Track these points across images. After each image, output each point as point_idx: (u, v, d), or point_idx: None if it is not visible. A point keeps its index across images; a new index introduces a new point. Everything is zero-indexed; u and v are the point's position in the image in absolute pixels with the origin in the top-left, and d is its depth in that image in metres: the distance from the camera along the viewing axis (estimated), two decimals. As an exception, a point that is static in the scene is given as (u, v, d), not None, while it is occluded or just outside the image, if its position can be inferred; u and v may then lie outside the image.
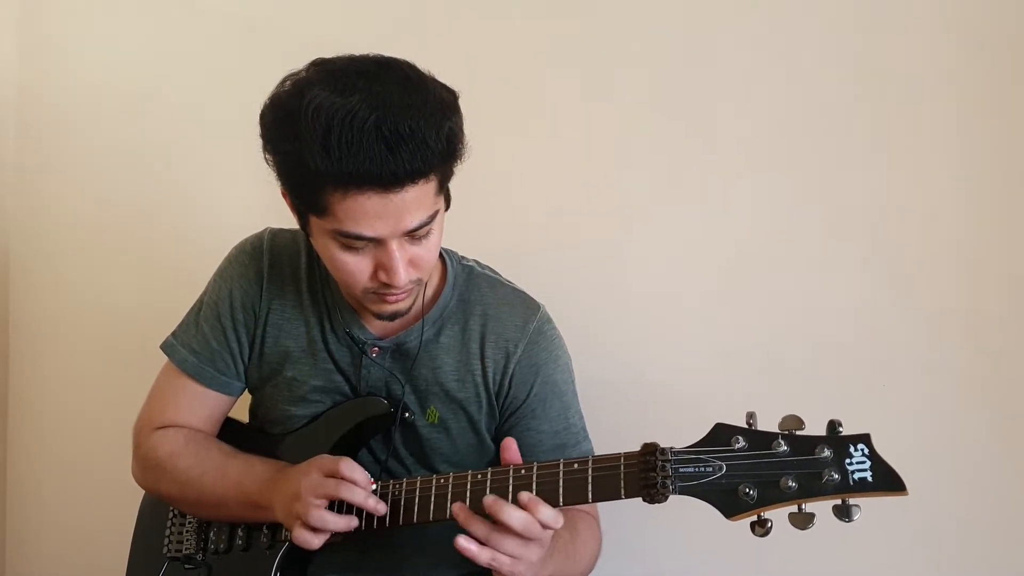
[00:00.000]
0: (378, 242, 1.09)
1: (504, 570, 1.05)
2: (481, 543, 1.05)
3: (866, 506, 0.94)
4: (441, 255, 1.30)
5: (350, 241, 1.09)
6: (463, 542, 1.05)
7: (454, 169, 1.13)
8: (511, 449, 1.13)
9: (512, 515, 1.03)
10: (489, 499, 1.06)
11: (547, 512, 1.04)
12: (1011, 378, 1.45)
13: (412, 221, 1.08)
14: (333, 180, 1.03)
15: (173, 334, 1.34)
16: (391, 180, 1.03)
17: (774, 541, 0.96)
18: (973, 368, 1.47)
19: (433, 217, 1.11)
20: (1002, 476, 1.46)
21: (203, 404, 1.32)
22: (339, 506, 1.15)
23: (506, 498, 1.07)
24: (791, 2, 1.55)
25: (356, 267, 1.12)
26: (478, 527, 1.06)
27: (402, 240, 1.10)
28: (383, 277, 1.11)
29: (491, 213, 1.63)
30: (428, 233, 1.12)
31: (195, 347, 1.31)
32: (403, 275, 1.11)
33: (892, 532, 1.47)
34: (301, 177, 1.06)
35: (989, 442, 1.46)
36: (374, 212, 1.05)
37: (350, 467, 1.15)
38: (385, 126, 1.01)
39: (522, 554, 1.05)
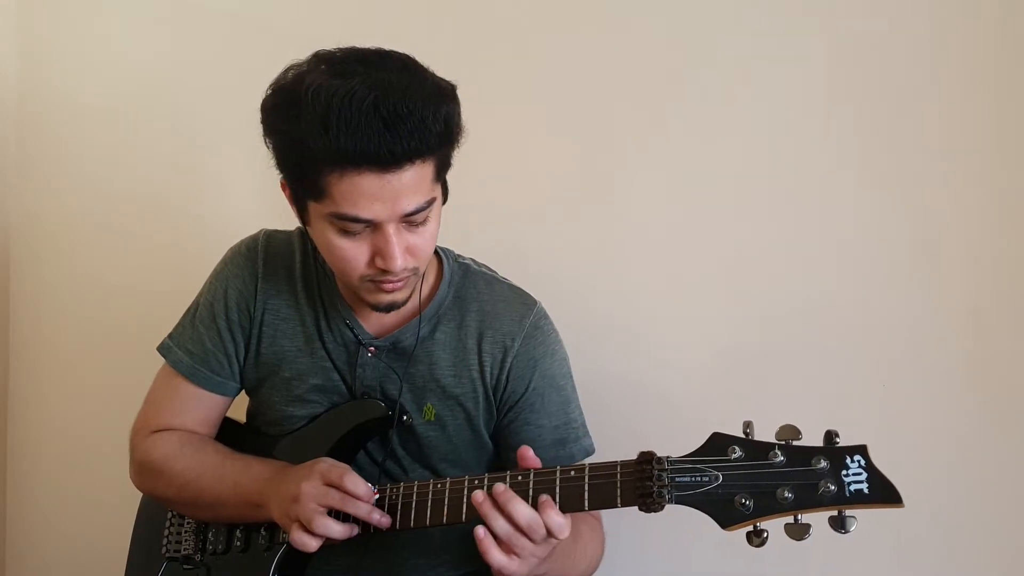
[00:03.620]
0: (375, 226, 1.09)
1: (507, 568, 1.04)
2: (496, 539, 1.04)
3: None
4: (437, 253, 1.30)
5: (347, 224, 1.09)
6: (482, 534, 1.04)
7: (451, 157, 1.14)
8: (526, 457, 1.11)
9: (520, 510, 1.03)
10: (500, 487, 1.05)
11: (557, 519, 1.03)
12: (1012, 378, 1.45)
13: (409, 204, 1.08)
14: (331, 160, 1.04)
15: (169, 336, 1.35)
16: (389, 159, 1.04)
17: (770, 551, 0.96)
18: (974, 368, 1.46)
19: (430, 203, 1.11)
20: (1003, 477, 1.45)
21: (198, 405, 1.33)
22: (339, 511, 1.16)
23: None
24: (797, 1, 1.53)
25: (353, 253, 1.12)
26: (499, 523, 1.04)
27: (399, 226, 1.10)
28: (380, 263, 1.12)
29: (488, 212, 1.62)
30: (425, 221, 1.12)
31: (190, 348, 1.31)
32: (400, 261, 1.11)
33: (891, 533, 1.48)
34: (300, 158, 1.07)
35: (990, 443, 1.46)
36: (371, 193, 1.05)
37: (354, 481, 1.15)
38: (384, 106, 1.02)
39: (526, 554, 1.04)
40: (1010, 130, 1.44)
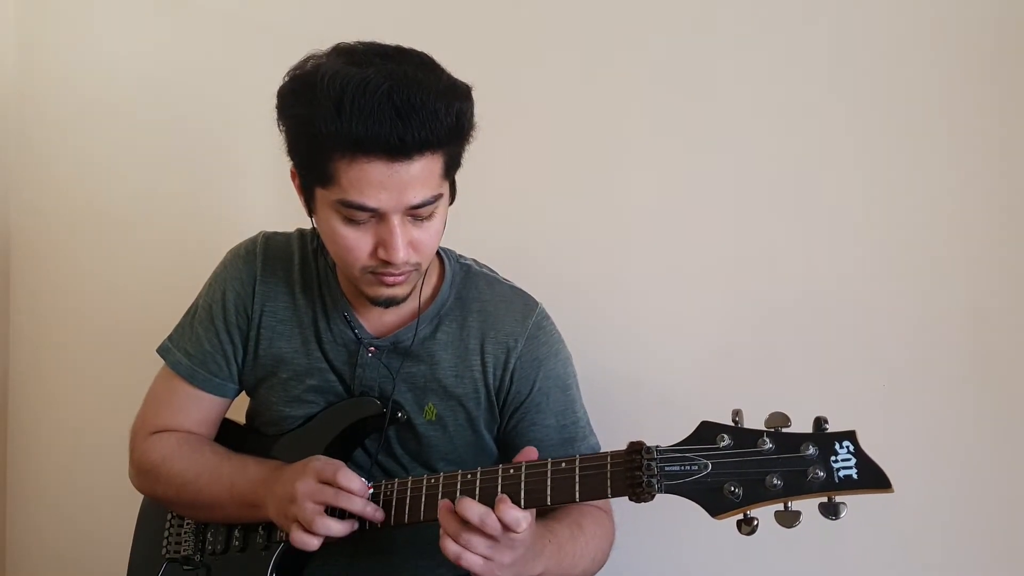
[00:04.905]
0: (380, 217, 1.10)
1: (476, 570, 1.05)
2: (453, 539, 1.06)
3: (858, 504, 0.93)
4: (439, 254, 1.31)
5: (353, 212, 1.10)
6: (440, 532, 1.07)
7: (461, 156, 1.15)
8: (528, 452, 1.12)
9: (469, 509, 1.04)
10: (446, 502, 1.08)
11: (511, 513, 1.03)
12: (1012, 378, 1.43)
13: (415, 197, 1.09)
14: (341, 145, 1.05)
15: (169, 337, 1.36)
16: (398, 148, 1.05)
17: (761, 539, 0.96)
18: (974, 368, 1.45)
19: (437, 199, 1.12)
20: (1002, 476, 1.44)
21: (197, 407, 1.33)
22: (337, 509, 1.16)
23: (494, 497, 1.07)
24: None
25: (356, 242, 1.13)
26: (449, 523, 1.06)
27: (404, 218, 1.11)
28: (382, 254, 1.12)
29: (489, 214, 1.63)
30: (431, 216, 1.13)
31: (189, 349, 1.32)
32: (402, 253, 1.12)
33: (890, 533, 1.46)
34: (311, 142, 1.08)
35: (990, 443, 1.44)
36: (378, 182, 1.06)
37: (347, 477, 1.15)
38: (398, 95, 1.03)
39: (493, 555, 1.05)
40: (1011, 129, 1.43)
